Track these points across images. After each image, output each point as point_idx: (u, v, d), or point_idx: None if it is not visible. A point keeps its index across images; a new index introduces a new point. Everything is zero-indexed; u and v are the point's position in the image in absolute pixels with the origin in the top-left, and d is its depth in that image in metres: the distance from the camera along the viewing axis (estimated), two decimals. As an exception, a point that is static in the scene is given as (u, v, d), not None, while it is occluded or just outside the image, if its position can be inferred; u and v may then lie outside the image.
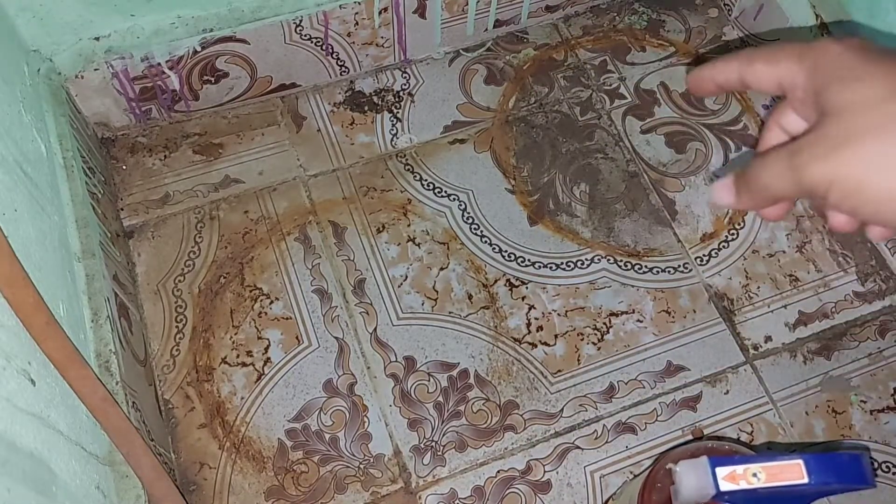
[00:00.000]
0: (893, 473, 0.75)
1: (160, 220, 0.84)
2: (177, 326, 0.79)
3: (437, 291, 0.81)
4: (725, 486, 0.44)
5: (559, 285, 0.82)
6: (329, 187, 0.87)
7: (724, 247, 0.85)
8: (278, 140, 0.89)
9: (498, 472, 0.73)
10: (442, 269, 0.83)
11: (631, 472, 0.74)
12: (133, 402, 0.66)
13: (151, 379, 0.75)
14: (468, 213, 0.86)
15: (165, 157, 0.87)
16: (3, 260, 0.49)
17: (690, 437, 0.76)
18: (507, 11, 0.94)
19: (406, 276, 0.82)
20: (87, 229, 0.70)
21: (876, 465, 0.75)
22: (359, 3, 0.84)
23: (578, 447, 0.75)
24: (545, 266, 0.83)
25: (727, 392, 0.78)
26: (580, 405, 0.77)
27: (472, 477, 0.73)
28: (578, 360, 0.79)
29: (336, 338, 0.79)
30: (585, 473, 0.74)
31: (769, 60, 0.31)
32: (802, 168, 0.28)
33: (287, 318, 0.79)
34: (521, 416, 0.76)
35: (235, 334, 0.78)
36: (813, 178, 0.28)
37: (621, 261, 0.84)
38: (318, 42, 0.87)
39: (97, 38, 0.78)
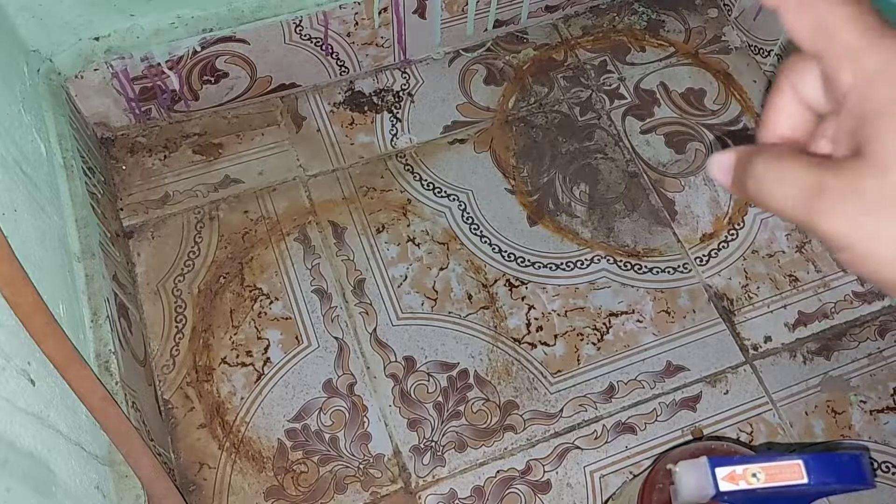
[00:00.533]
0: (893, 473, 0.75)
1: (160, 220, 0.84)
2: (176, 326, 0.79)
3: (436, 291, 0.81)
4: (725, 486, 0.44)
5: (559, 285, 0.82)
6: (329, 187, 0.87)
7: (723, 247, 0.85)
8: (278, 140, 0.89)
9: (497, 472, 0.73)
10: (442, 269, 0.83)
11: (630, 473, 0.74)
12: (133, 403, 0.66)
13: (151, 379, 0.75)
14: (468, 213, 0.86)
15: (165, 157, 0.87)
16: (2, 260, 0.49)
17: (690, 438, 0.76)
18: (506, 11, 0.94)
19: (406, 276, 0.82)
20: (86, 229, 0.70)
21: (875, 465, 0.75)
22: (359, 3, 0.84)
23: (578, 447, 0.75)
24: (545, 266, 0.83)
25: (727, 392, 0.78)
26: (580, 405, 0.77)
27: (472, 477, 0.73)
28: (578, 360, 0.79)
29: (336, 338, 0.79)
30: (585, 473, 0.74)
31: (820, 26, 0.24)
32: (823, 216, 0.23)
33: (287, 318, 0.79)
34: (521, 416, 0.76)
35: (235, 334, 0.78)
36: (828, 233, 0.23)
37: (621, 261, 0.84)
38: (318, 42, 0.87)
39: (97, 38, 0.78)
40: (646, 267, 0.83)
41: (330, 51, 0.88)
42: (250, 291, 0.81)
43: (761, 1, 0.26)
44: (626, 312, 0.81)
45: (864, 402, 0.78)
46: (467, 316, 0.80)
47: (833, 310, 0.82)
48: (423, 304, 0.81)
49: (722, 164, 0.27)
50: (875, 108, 0.22)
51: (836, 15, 0.23)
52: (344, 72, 0.92)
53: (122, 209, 0.84)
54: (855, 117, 0.23)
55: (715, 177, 0.28)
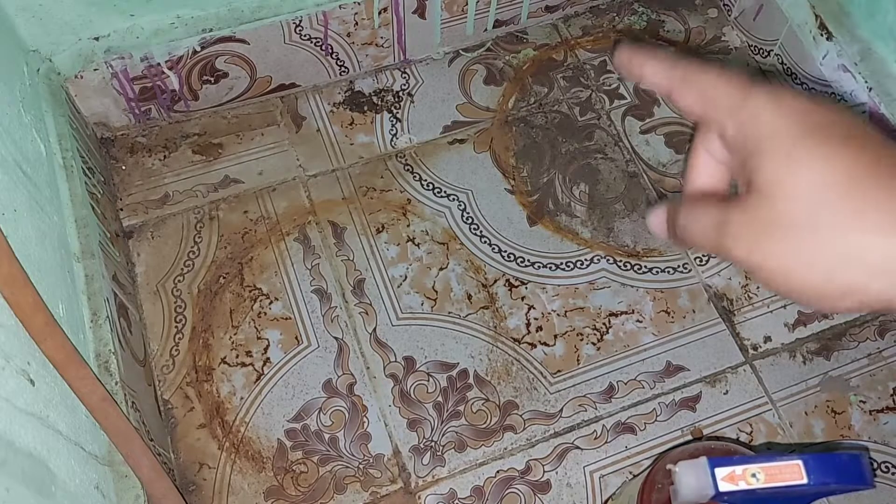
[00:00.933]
0: (893, 474, 0.75)
1: (160, 220, 0.84)
2: (176, 326, 0.79)
3: (436, 291, 0.81)
4: (724, 486, 0.44)
5: (559, 285, 0.82)
6: (328, 187, 0.87)
7: (723, 247, 0.85)
8: (278, 140, 0.89)
9: (497, 472, 0.73)
10: (441, 269, 0.83)
11: (630, 473, 0.74)
12: (132, 403, 0.66)
13: (151, 379, 0.75)
14: (468, 213, 0.86)
15: (165, 157, 0.87)
16: (2, 260, 0.49)
17: (690, 438, 0.76)
18: (506, 11, 0.94)
19: (405, 277, 0.82)
20: (86, 229, 0.70)
21: (875, 465, 0.75)
22: (358, 4, 0.84)
23: (578, 447, 0.75)
24: (545, 266, 0.83)
25: (726, 392, 0.78)
26: (580, 405, 0.77)
27: (472, 477, 0.73)
28: (578, 360, 0.79)
29: (335, 338, 0.79)
30: (585, 473, 0.74)
31: (703, 97, 0.29)
32: (731, 244, 0.28)
33: (286, 319, 0.79)
34: (521, 416, 0.76)
35: (235, 334, 0.78)
36: (739, 257, 0.27)
37: (621, 261, 0.84)
38: (318, 42, 0.87)
39: (97, 38, 0.78)
40: (645, 267, 0.84)
41: (330, 51, 0.88)
42: (250, 291, 0.81)
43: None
44: (626, 312, 0.81)
45: (864, 403, 0.78)
46: (467, 316, 0.80)
47: (833, 310, 0.82)
48: (422, 304, 0.81)
49: (658, 218, 0.33)
50: (752, 149, 0.27)
51: (713, 85, 0.29)
52: (344, 72, 0.92)
53: (121, 209, 0.84)
54: (742, 157, 0.28)
55: (654, 230, 0.33)
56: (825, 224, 0.25)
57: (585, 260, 0.84)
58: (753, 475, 0.44)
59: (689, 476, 0.45)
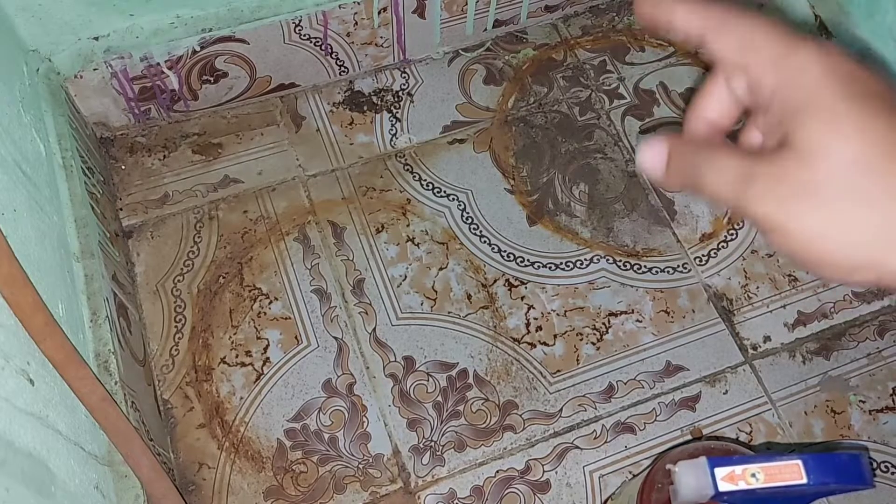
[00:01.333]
0: (892, 473, 0.75)
1: (159, 219, 0.84)
2: (176, 326, 0.79)
3: (436, 291, 0.81)
4: (724, 486, 0.44)
5: (558, 285, 0.82)
6: (328, 187, 0.87)
7: (723, 247, 0.85)
8: (277, 140, 0.89)
9: (497, 471, 0.73)
10: (441, 268, 0.83)
11: (630, 472, 0.74)
12: (132, 402, 0.66)
13: (150, 379, 0.75)
14: (467, 212, 0.86)
15: (164, 156, 0.87)
16: (2, 260, 0.49)
17: (689, 437, 0.76)
18: (506, 11, 0.94)
19: (405, 276, 0.82)
20: (86, 229, 0.70)
21: (875, 465, 0.75)
22: (358, 3, 0.84)
23: (577, 447, 0.75)
24: (544, 266, 0.83)
25: (726, 392, 0.78)
26: (579, 405, 0.77)
27: (471, 477, 0.73)
28: (577, 360, 0.79)
29: (335, 338, 0.79)
30: (584, 473, 0.74)
31: (744, 42, 0.27)
32: (754, 201, 0.26)
33: (286, 318, 0.79)
34: (520, 415, 0.76)
35: (234, 334, 0.78)
36: (759, 215, 0.26)
37: (620, 261, 0.84)
38: (318, 42, 0.87)
39: (96, 38, 0.78)
40: (645, 267, 0.84)
41: (329, 50, 0.88)
42: (250, 291, 0.81)
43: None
44: (626, 312, 0.81)
45: (864, 402, 0.78)
46: (467, 316, 0.80)
47: (832, 310, 0.82)
48: (422, 304, 0.81)
49: (653, 152, 0.30)
50: (796, 104, 0.26)
51: (757, 32, 0.27)
52: (343, 72, 0.92)
53: (121, 209, 0.84)
54: (780, 113, 0.26)
55: (646, 164, 0.30)
56: (862, 194, 0.24)
57: (585, 260, 0.84)
58: (753, 475, 0.44)
59: (689, 476, 0.45)
